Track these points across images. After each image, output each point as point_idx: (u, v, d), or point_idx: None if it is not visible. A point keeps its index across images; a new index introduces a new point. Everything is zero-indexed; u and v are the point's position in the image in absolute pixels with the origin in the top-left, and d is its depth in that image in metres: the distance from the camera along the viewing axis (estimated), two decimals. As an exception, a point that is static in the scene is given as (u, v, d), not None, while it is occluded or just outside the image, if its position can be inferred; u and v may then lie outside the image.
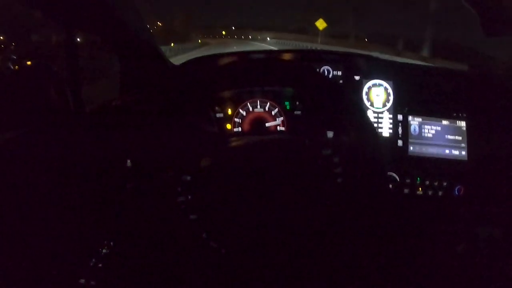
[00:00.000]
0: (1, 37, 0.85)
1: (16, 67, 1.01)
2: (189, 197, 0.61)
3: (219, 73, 0.77)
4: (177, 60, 1.12)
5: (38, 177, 0.74)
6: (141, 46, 0.92)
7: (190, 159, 0.62)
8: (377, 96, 0.98)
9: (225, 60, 0.96)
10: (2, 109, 0.89)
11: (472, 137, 0.98)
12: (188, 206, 0.61)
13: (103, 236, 0.87)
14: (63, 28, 0.88)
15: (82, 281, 0.80)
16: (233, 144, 0.64)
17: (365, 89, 0.98)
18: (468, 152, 0.97)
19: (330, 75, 1.00)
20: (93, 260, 0.85)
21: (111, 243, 0.87)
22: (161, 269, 0.83)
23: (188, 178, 0.61)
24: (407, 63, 1.04)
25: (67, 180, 0.81)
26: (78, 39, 0.92)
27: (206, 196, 0.61)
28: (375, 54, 1.06)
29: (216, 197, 0.61)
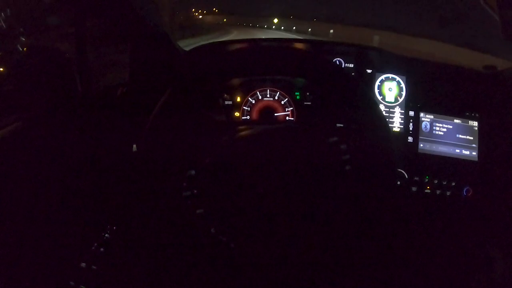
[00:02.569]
0: (11, 19, 0.83)
1: (25, 49, 1.00)
2: (195, 191, 0.59)
3: (230, 60, 0.75)
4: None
5: (42, 160, 0.73)
6: (150, 31, 0.90)
7: (196, 152, 0.61)
8: (390, 91, 0.96)
9: (236, 47, 0.94)
10: (9, 92, 0.88)
11: (484, 138, 0.96)
12: (195, 201, 0.59)
13: (106, 221, 0.86)
14: (73, 11, 0.87)
15: (83, 265, 0.80)
16: (240, 134, 0.62)
17: (377, 83, 0.96)
18: (479, 153, 0.95)
19: (342, 67, 0.98)
20: (95, 244, 0.84)
21: (114, 228, 0.87)
22: (164, 259, 0.82)
23: (193, 172, 0.60)
24: (420, 59, 1.02)
25: (71, 164, 0.80)
26: (88, 23, 0.91)
27: (212, 189, 0.59)
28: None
29: (223, 190, 0.59)
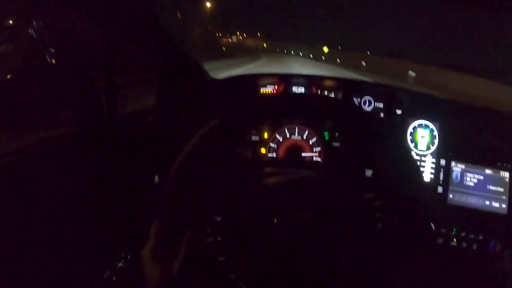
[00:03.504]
0: (44, 31, 0.83)
1: (53, 61, 0.99)
2: (219, 238, 0.58)
3: (260, 99, 0.74)
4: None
5: (60, 182, 0.72)
6: (180, 57, 0.89)
7: (223, 197, 0.59)
8: (422, 138, 0.93)
9: (266, 86, 0.92)
10: (33, 107, 0.87)
11: None
12: (217, 247, 0.57)
13: (120, 249, 0.85)
14: (105, 33, 0.86)
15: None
16: (268, 182, 0.60)
17: (410, 129, 0.93)
18: (509, 206, 0.91)
19: (371, 106, 0.95)
20: (108, 272, 0.82)
21: (128, 257, 0.85)
22: None
23: (219, 219, 0.58)
24: (455, 101, 0.98)
25: (89, 187, 0.79)
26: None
27: (237, 238, 0.57)
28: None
29: (248, 239, 0.57)
